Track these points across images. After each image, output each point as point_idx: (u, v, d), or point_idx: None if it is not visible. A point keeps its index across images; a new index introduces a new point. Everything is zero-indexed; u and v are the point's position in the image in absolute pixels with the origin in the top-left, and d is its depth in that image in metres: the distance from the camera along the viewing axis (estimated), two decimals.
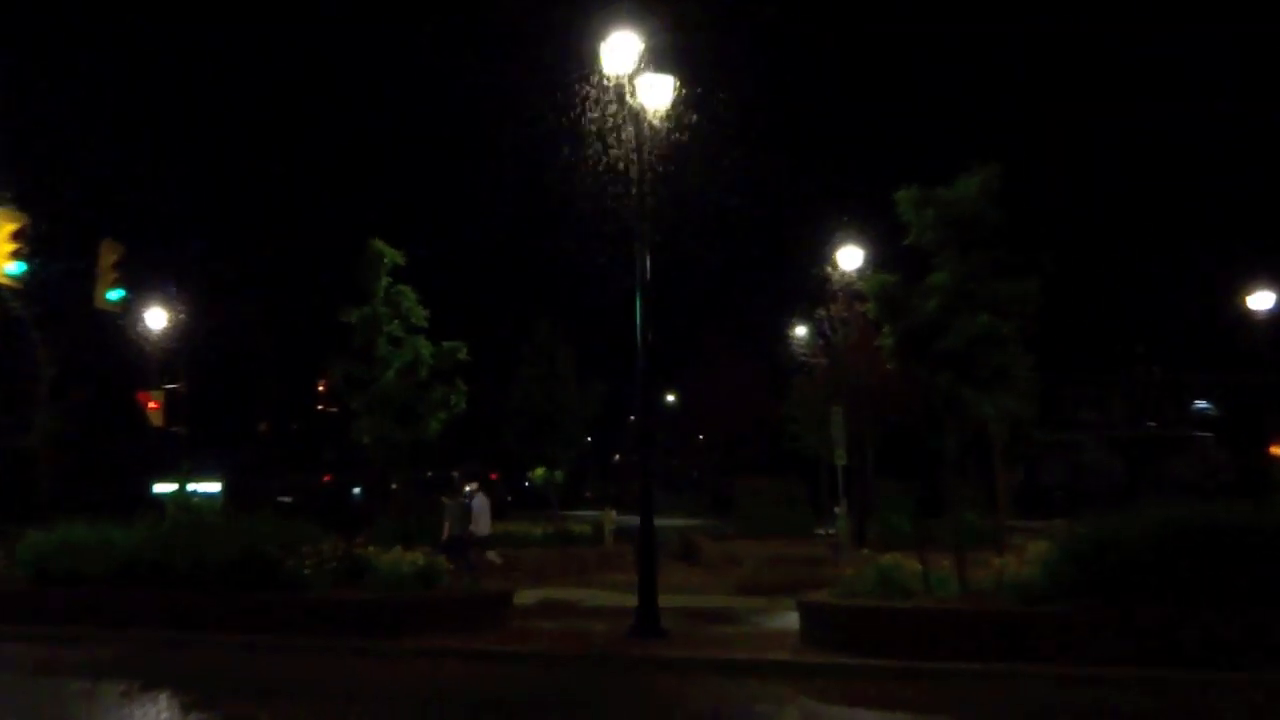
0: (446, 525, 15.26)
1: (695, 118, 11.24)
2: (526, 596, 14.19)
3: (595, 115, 10.98)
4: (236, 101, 60.03)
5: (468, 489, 16.22)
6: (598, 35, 10.69)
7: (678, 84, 11.02)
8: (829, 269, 19.92)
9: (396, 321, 17.23)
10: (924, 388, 11.96)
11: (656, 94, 11.03)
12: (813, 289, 21.21)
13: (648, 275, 10.86)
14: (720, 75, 11.53)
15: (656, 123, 11.07)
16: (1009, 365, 11.37)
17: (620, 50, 10.71)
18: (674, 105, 11.13)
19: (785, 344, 24.30)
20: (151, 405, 20.25)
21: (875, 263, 18.37)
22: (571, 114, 11.07)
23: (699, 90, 11.28)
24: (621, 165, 11.04)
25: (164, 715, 7.70)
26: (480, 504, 15.86)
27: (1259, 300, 22.27)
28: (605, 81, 10.89)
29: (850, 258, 19.26)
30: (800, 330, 23.74)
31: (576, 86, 10.99)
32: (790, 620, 10.93)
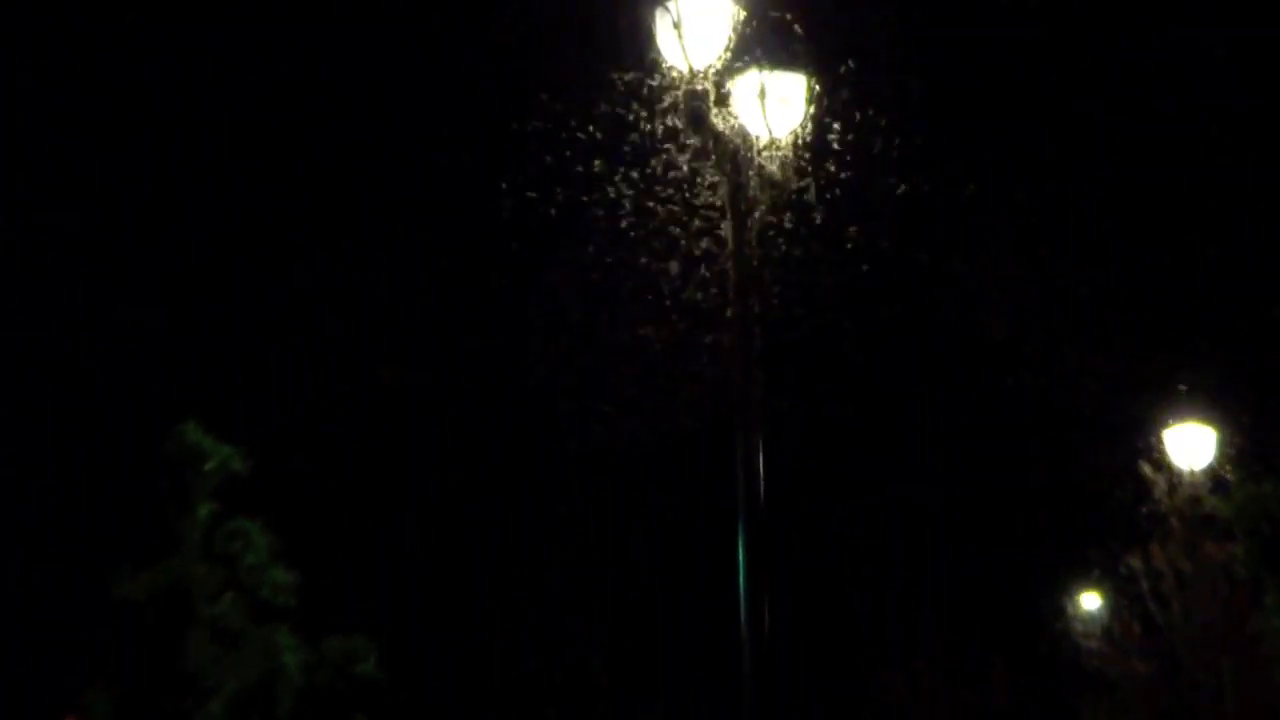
0: None
1: (851, 157, 11.51)
2: None
3: (646, 148, 11.31)
4: None
5: None
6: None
7: (813, 86, 11.30)
8: (1145, 470, 19.31)
9: (230, 596, 16.85)
10: None
11: (773, 111, 11.23)
12: (1108, 514, 20.60)
13: (760, 492, 10.88)
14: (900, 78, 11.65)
15: (773, 169, 11.23)
16: None
17: (699, 22, 10.96)
18: (808, 133, 11.36)
19: (1054, 632, 23.55)
20: None
21: (1241, 455, 17.68)
22: (598, 148, 11.48)
23: (865, 106, 11.56)
24: (703, 260, 11.37)
25: None
26: None
27: None
28: (667, 83, 11.12)
29: (1189, 445, 18.65)
30: (1087, 603, 23.04)
31: (611, 93, 11.36)
32: None
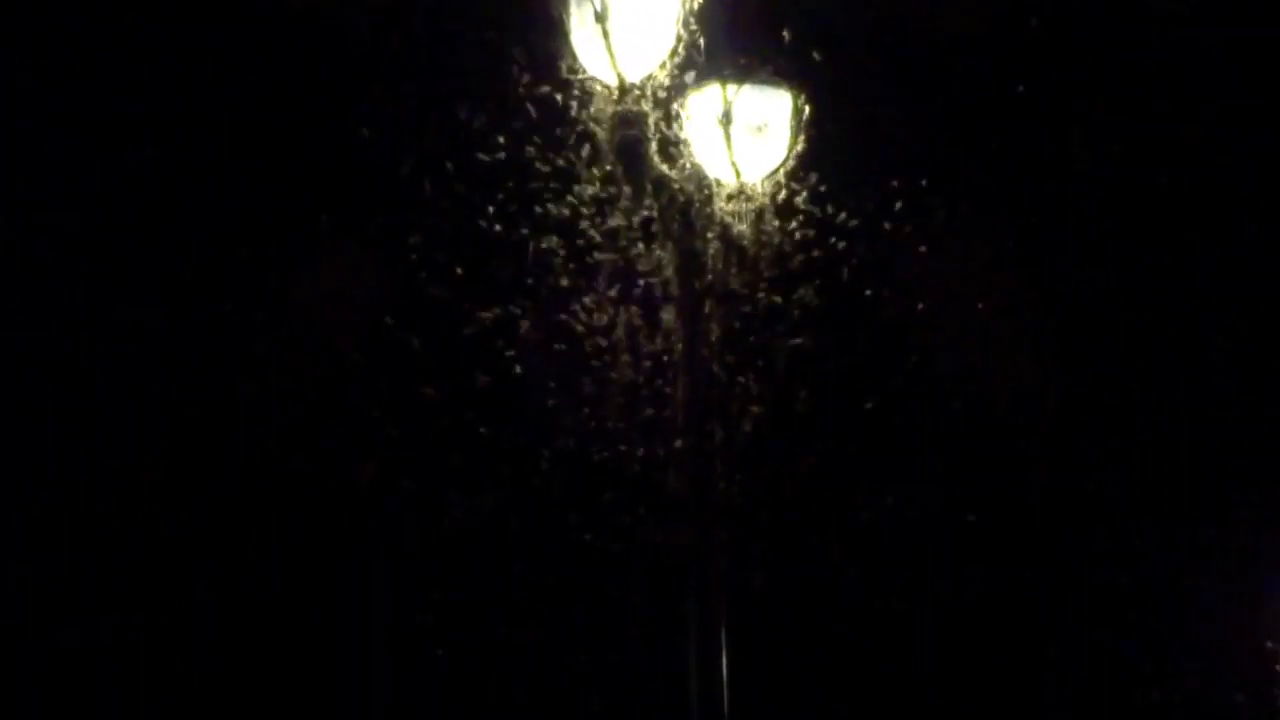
0: None
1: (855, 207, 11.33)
2: None
3: (555, 210, 10.89)
4: None
5: None
6: None
7: (802, 106, 10.76)
8: None
9: None
10: None
11: (744, 144, 10.63)
12: None
13: (723, 701, 10.36)
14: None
15: (742, 228, 10.62)
16: None
17: (634, 14, 10.11)
18: (796, 179, 10.90)
19: None
20: None
21: None
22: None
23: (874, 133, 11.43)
24: (638, 373, 10.82)
25: None
26: None
27: None
28: (584, 105, 10.39)
29: None
30: None
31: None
32: None
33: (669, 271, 10.39)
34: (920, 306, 12.28)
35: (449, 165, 11.50)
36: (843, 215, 11.33)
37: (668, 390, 10.50)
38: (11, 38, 15.78)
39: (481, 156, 11.12)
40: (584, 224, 10.69)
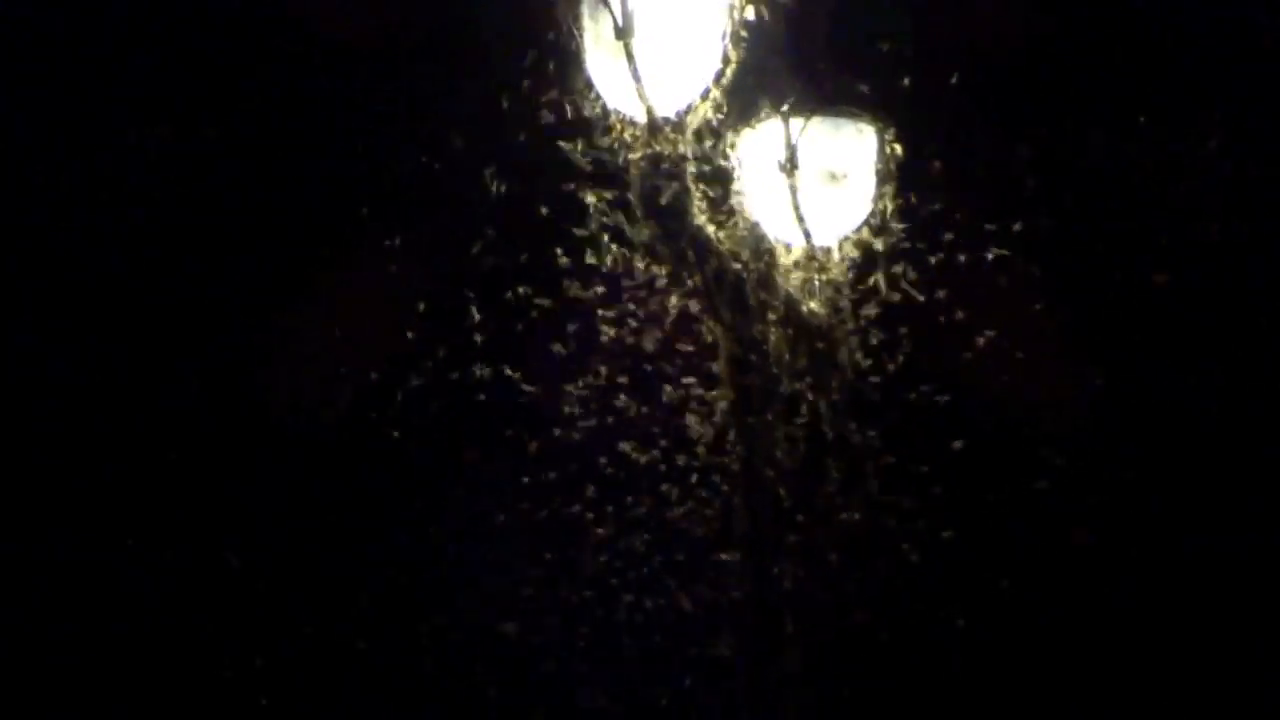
0: None
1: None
2: None
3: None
4: None
5: None
6: None
7: (891, 144, 9.36)
8: None
9: None
10: None
11: (815, 196, 9.14)
12: None
13: None
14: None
15: (814, 307, 9.29)
16: None
17: (666, 30, 8.44)
18: (883, 242, 9.59)
19: None
20: None
21: None
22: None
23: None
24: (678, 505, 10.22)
25: None
26: None
27: None
28: (602, 147, 8.91)
29: None
30: None
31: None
32: None
33: (718, 366, 8.86)
34: (1037, 396, 10.74)
35: (424, 227, 10.33)
36: (945, 289, 9.91)
37: (718, 529, 9.44)
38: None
39: (468, 210, 9.90)
40: (606, 303, 9.50)
